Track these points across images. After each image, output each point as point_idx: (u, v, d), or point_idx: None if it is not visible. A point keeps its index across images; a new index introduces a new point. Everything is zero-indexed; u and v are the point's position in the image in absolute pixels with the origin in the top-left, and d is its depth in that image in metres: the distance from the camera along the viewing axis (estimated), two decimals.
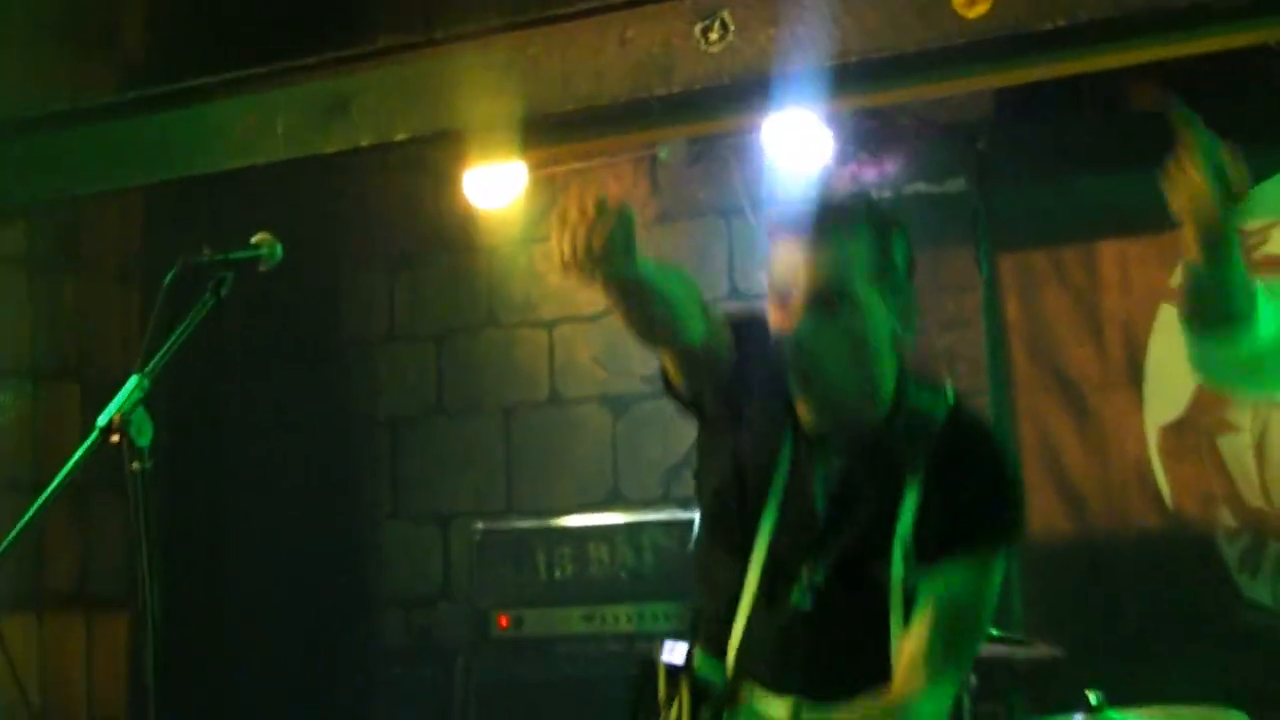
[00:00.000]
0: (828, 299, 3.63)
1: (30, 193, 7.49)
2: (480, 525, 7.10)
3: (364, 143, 6.73)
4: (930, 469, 3.65)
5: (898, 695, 3.53)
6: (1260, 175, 6.89)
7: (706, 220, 8.15)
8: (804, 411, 3.72)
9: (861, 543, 3.66)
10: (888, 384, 3.77)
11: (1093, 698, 5.60)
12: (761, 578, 3.70)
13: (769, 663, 3.70)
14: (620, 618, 6.80)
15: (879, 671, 3.58)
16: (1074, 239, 7.33)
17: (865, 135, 7.58)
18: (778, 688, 3.67)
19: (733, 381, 3.83)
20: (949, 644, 3.58)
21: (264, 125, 6.76)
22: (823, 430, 3.73)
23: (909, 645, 3.56)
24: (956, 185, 7.65)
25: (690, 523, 6.70)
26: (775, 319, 3.67)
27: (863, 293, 3.71)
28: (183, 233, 7.65)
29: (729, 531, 3.80)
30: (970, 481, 3.66)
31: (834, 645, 3.67)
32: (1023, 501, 3.76)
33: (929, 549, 3.59)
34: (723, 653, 3.73)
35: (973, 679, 5.94)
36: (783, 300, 3.66)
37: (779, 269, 3.69)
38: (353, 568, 8.54)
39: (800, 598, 3.67)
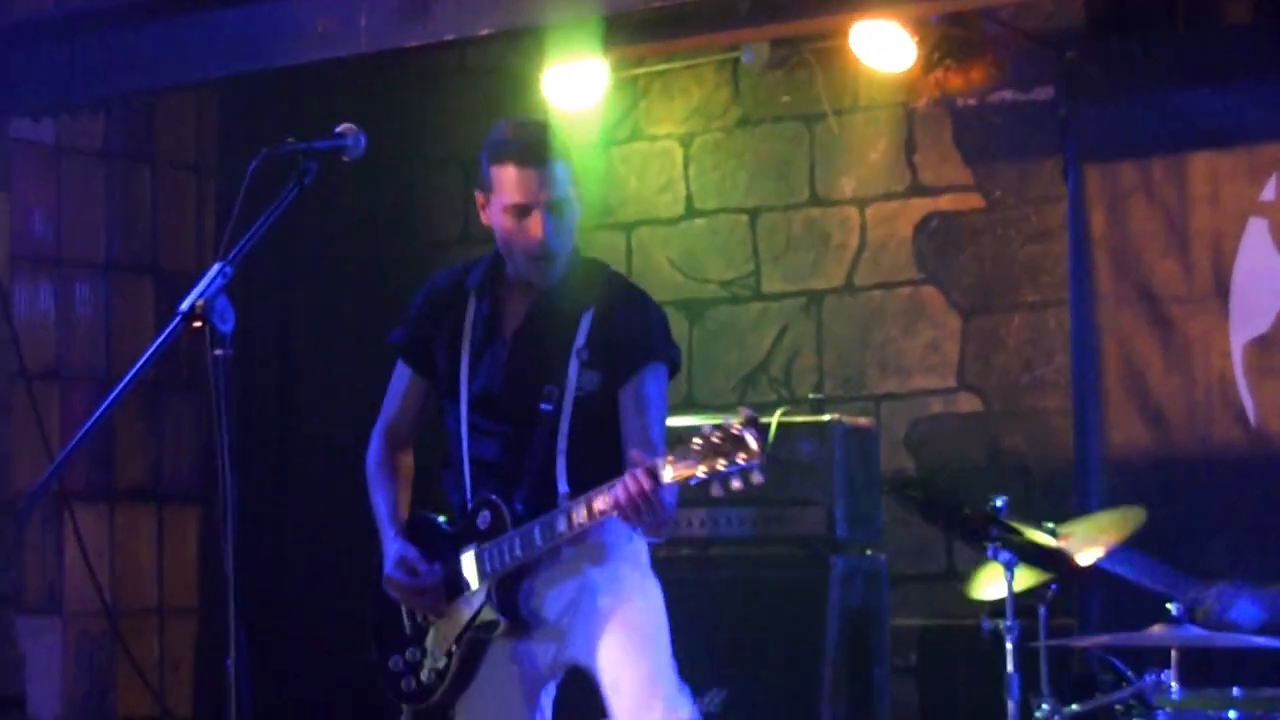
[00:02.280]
0: (560, 204, 4.79)
1: (109, 87, 7.46)
2: None
3: (446, 38, 6.69)
4: (599, 305, 4.87)
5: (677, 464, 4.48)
6: None
7: (788, 126, 8.07)
8: (537, 277, 4.87)
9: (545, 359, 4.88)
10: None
11: (1172, 608, 5.57)
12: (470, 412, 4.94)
13: (494, 483, 4.87)
14: (693, 521, 6.77)
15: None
16: (1162, 152, 7.22)
17: (952, 42, 7.48)
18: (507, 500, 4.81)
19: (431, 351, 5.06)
20: (657, 426, 4.82)
21: (347, 19, 6.71)
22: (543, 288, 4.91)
23: (639, 433, 4.76)
24: (1044, 94, 7.58)
25: (766, 426, 6.71)
26: (514, 228, 4.77)
27: (576, 194, 4.88)
28: (258, 129, 7.63)
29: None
30: (634, 316, 4.93)
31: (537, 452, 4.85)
32: (666, 329, 5.00)
33: (621, 368, 4.82)
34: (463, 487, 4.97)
35: (1050, 589, 5.88)
36: (523, 213, 4.76)
37: (518, 188, 4.77)
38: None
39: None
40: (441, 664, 4.93)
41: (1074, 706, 5.69)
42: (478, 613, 4.84)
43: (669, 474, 4.42)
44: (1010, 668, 5.71)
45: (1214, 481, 6.77)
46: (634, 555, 5.03)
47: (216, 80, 7.47)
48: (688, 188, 8.26)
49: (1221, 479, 6.27)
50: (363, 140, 4.53)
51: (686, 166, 8.26)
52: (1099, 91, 7.33)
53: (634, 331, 4.90)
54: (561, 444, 4.83)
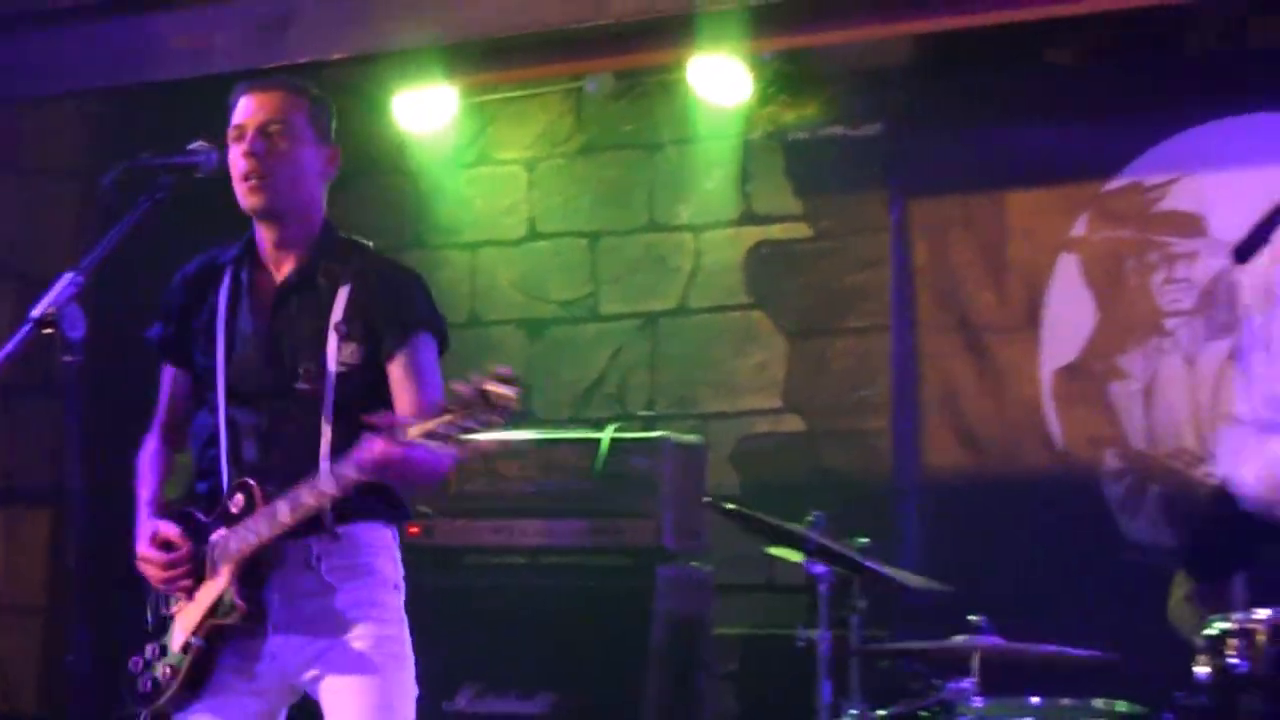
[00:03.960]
0: (273, 130, 4.58)
1: None
2: None
3: (301, 60, 6.71)
4: (356, 279, 4.60)
5: (417, 421, 4.20)
6: (1164, 135, 7.03)
7: (629, 153, 8.14)
8: (253, 206, 4.64)
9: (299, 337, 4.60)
10: (318, 212, 4.75)
11: (976, 622, 5.73)
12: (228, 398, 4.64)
13: (253, 468, 4.56)
14: (528, 531, 6.83)
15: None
16: (982, 187, 7.40)
17: (785, 78, 7.60)
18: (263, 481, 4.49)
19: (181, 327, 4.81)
20: (428, 394, 4.45)
21: (204, 38, 6.73)
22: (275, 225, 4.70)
23: (412, 405, 4.45)
24: (872, 130, 7.67)
25: (598, 442, 6.82)
26: (232, 157, 4.58)
27: (299, 130, 4.63)
28: (130, 141, 7.60)
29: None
30: (395, 287, 4.64)
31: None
32: (430, 302, 4.71)
33: (385, 341, 4.54)
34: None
35: (862, 603, 6.01)
36: (240, 135, 4.58)
37: (236, 114, 4.62)
38: None
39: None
40: (176, 660, 4.58)
41: (881, 711, 5.80)
42: (219, 600, 4.49)
43: (412, 430, 4.16)
44: (822, 674, 5.84)
45: (1021, 499, 6.94)
46: (387, 586, 4.62)
47: (74, 93, 7.46)
48: (531, 211, 8.31)
49: (1028, 497, 6.44)
50: (214, 157, 4.58)
51: (530, 190, 8.32)
52: (924, 128, 7.49)
53: (396, 302, 4.62)
54: (324, 424, 4.52)
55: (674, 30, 6.50)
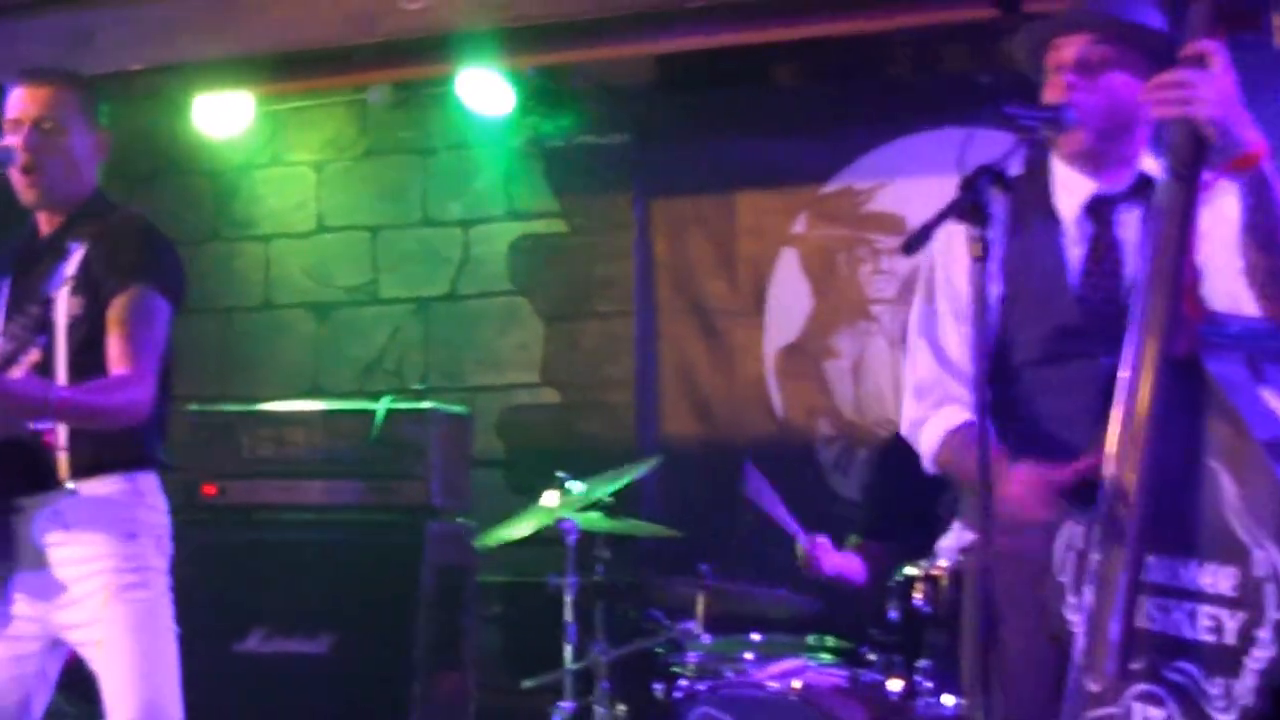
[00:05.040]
0: (43, 123, 4.43)
1: None
2: (193, 407, 7.00)
3: (107, 70, 6.58)
4: (94, 237, 4.40)
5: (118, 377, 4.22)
6: (871, 146, 7.09)
7: (407, 158, 8.07)
8: (26, 196, 4.48)
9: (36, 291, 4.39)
10: (89, 191, 4.56)
11: (703, 569, 5.75)
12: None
13: None
14: (312, 491, 6.76)
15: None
16: (715, 190, 7.42)
17: (544, 92, 7.56)
18: None
19: None
20: (134, 343, 4.28)
21: (8, 46, 6.56)
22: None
23: (114, 352, 4.26)
24: (620, 139, 7.66)
25: (374, 412, 6.76)
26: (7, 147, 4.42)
27: (72, 122, 4.48)
28: None
29: None
30: (124, 242, 4.42)
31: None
32: (155, 255, 4.48)
33: (104, 288, 4.32)
34: None
35: (607, 552, 6.01)
36: (15, 128, 4.43)
37: (10, 106, 4.48)
38: None
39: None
40: None
41: (620, 650, 5.85)
42: None
43: None
44: (569, 617, 5.84)
45: (747, 461, 6.99)
46: (124, 535, 4.38)
47: None
48: (319, 207, 8.21)
49: (753, 460, 6.45)
50: (14, 155, 4.47)
51: (319, 189, 8.22)
52: (665, 138, 7.50)
53: (117, 255, 4.39)
54: (59, 372, 4.30)
55: (439, 48, 6.45)
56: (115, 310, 4.34)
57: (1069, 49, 3.78)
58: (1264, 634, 3.02)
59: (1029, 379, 3.79)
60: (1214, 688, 3.10)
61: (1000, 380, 3.80)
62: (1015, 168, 3.46)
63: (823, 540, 5.80)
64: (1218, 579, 3.13)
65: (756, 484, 5.82)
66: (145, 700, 4.31)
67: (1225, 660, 3.09)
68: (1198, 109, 3.30)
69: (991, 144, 3.53)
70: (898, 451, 4.81)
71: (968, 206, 3.30)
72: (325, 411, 6.91)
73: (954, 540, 4.02)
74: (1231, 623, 3.09)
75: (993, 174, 3.34)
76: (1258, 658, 3.02)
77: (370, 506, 6.74)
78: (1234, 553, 3.09)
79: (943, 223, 3.31)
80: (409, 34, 6.21)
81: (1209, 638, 3.13)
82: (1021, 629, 3.56)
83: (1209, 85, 3.29)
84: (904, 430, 4.02)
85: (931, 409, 3.92)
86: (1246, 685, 3.03)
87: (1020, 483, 3.59)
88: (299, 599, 6.61)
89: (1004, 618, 3.62)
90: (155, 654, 4.37)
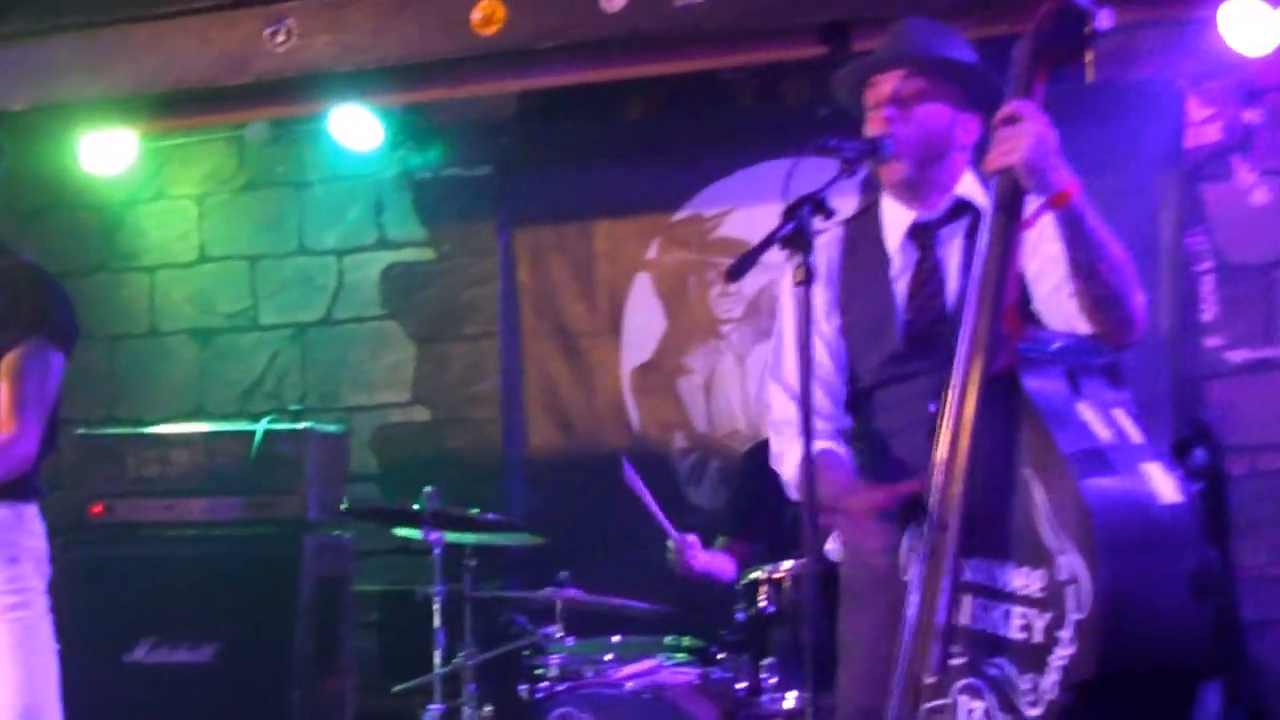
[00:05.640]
0: None
1: None
2: (82, 431, 6.89)
3: None
4: None
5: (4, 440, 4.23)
6: (718, 175, 7.09)
7: (283, 190, 7.96)
8: None
9: None
10: None
11: (562, 576, 5.71)
12: None
13: None
14: (195, 508, 6.68)
15: None
16: (574, 218, 7.39)
17: (412, 127, 7.50)
18: None
19: None
20: (17, 394, 4.28)
21: None
22: None
23: (4, 401, 4.26)
24: (484, 171, 7.61)
25: (254, 433, 6.67)
26: None
27: None
28: None
29: None
30: (11, 292, 4.35)
31: None
32: (48, 306, 4.40)
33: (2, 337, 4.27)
34: None
35: (474, 562, 5.95)
36: None
37: None
38: None
39: None
40: None
41: (486, 654, 5.79)
42: None
43: None
44: (437, 623, 5.77)
45: (606, 474, 6.93)
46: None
47: None
48: (201, 238, 8.07)
49: (612, 472, 6.41)
50: None
51: (201, 221, 8.09)
52: (526, 170, 7.46)
53: (18, 307, 4.40)
54: None
55: (309, 87, 6.39)
56: (9, 364, 4.34)
57: (885, 85, 3.80)
58: (1065, 634, 3.03)
59: (873, 403, 3.83)
60: (1025, 683, 3.11)
61: (853, 406, 3.87)
62: (837, 197, 3.43)
63: (693, 539, 5.77)
64: (1029, 581, 3.14)
65: (634, 481, 5.78)
66: (27, 711, 4.30)
67: (1034, 658, 3.09)
68: (1013, 159, 3.32)
69: (817, 173, 3.50)
70: (757, 458, 4.82)
71: (789, 234, 3.29)
72: (206, 433, 6.84)
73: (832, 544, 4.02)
74: (1039, 622, 3.09)
75: (813, 202, 3.34)
76: (1060, 656, 3.03)
77: (250, 521, 6.66)
78: (1042, 557, 3.10)
79: (766, 250, 3.30)
80: (279, 74, 6.15)
81: (1020, 636, 3.14)
82: (871, 626, 3.59)
83: (1021, 139, 3.30)
84: (771, 463, 4.03)
85: (788, 444, 3.93)
86: (1051, 681, 3.04)
87: (862, 500, 3.63)
88: (184, 611, 6.54)
89: (856, 616, 3.77)
90: (37, 670, 4.38)
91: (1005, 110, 3.37)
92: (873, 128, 3.79)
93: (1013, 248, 3.38)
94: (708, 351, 7.14)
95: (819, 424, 3.79)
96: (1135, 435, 3.26)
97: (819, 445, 3.75)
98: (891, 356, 3.77)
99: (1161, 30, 6.62)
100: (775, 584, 5.07)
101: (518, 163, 7.47)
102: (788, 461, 3.94)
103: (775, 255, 3.38)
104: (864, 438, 3.83)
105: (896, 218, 3.87)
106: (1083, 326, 3.45)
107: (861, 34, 5.73)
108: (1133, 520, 3.07)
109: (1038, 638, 3.09)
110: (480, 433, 7.54)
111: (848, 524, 3.72)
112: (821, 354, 3.86)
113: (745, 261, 3.27)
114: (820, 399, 3.83)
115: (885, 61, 3.82)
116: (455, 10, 5.85)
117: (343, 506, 6.49)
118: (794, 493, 3.96)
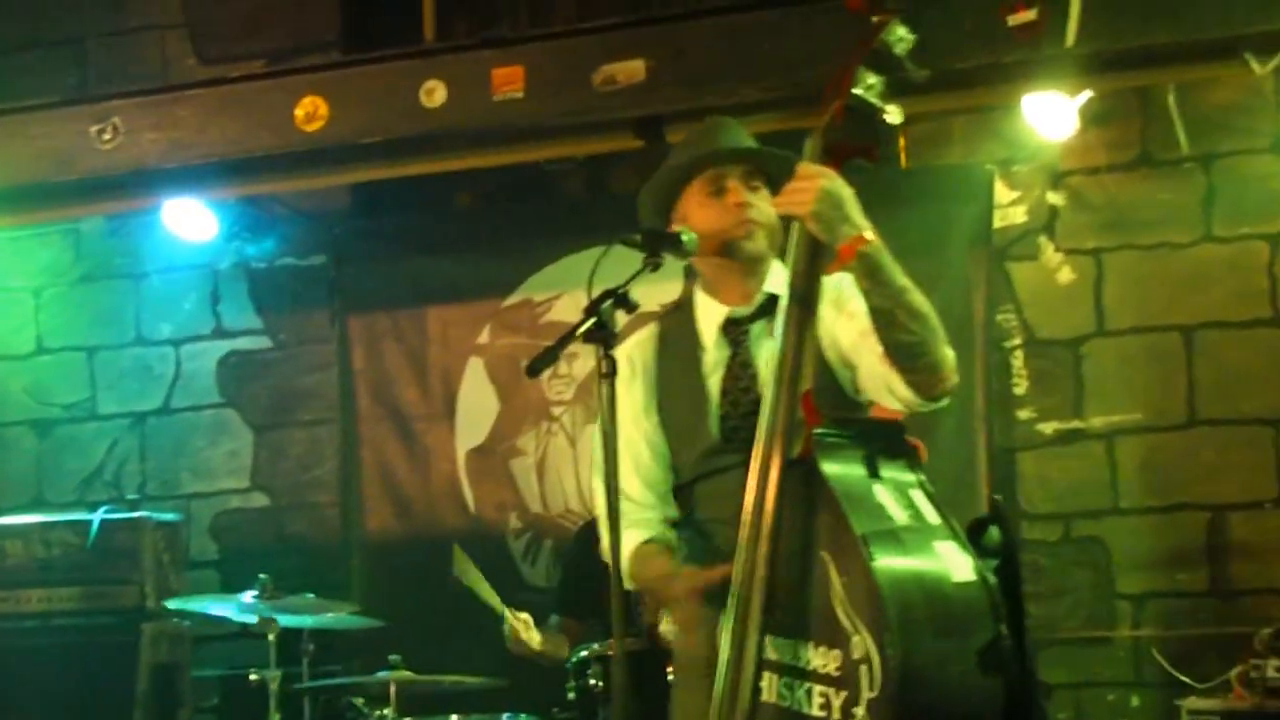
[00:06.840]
0: None
1: None
2: None
3: None
4: None
5: None
6: (547, 261, 7.11)
7: (120, 282, 7.90)
8: None
9: None
10: None
11: (393, 660, 5.66)
12: None
13: None
14: (32, 599, 6.57)
15: None
16: (407, 305, 7.37)
17: (248, 218, 7.47)
18: None
19: None
20: None
21: None
22: None
23: None
24: (319, 260, 7.61)
25: (90, 522, 6.59)
26: None
27: None
28: None
29: None
30: None
31: None
32: None
33: None
34: None
35: (311, 645, 5.90)
36: None
37: None
38: None
39: None
40: None
41: None
42: None
43: None
44: (273, 706, 5.72)
45: (443, 555, 6.90)
46: None
47: None
48: (39, 330, 7.98)
49: (448, 553, 6.39)
50: None
51: (38, 313, 7.99)
52: (359, 258, 7.44)
53: None
54: None
55: (138, 183, 6.35)
56: None
57: (730, 178, 3.76)
58: (860, 711, 3.06)
59: (694, 494, 3.82)
60: None
61: (678, 496, 3.85)
62: (639, 290, 3.44)
63: (525, 618, 5.74)
64: (827, 660, 3.17)
65: (465, 565, 5.75)
66: None
67: None
68: (801, 210, 3.36)
69: (622, 263, 3.50)
70: (588, 538, 4.82)
71: (591, 329, 3.30)
72: (42, 523, 6.76)
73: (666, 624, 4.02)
74: (837, 700, 3.12)
75: (615, 297, 3.35)
76: None
77: (88, 611, 6.58)
78: (838, 637, 3.13)
79: (566, 345, 3.31)
80: (107, 172, 6.11)
81: (821, 714, 3.17)
82: (697, 705, 3.56)
83: (810, 191, 3.34)
84: (599, 553, 4.02)
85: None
86: None
87: (682, 584, 3.63)
88: (23, 702, 6.44)
89: (684, 694, 3.79)
90: None
91: (798, 170, 3.41)
92: (724, 218, 3.75)
93: (806, 337, 3.42)
94: (540, 433, 7.15)
95: (644, 514, 3.81)
96: (932, 515, 3.31)
97: (643, 535, 3.78)
98: (709, 450, 3.75)
99: (971, 118, 6.80)
100: (603, 661, 5.07)
101: (351, 252, 7.45)
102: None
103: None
104: (689, 526, 3.84)
105: (710, 311, 3.85)
106: (899, 387, 3.46)
107: (674, 128, 5.80)
108: (923, 599, 3.10)
109: (836, 715, 3.12)
110: (319, 517, 7.50)
111: (675, 607, 3.73)
112: (642, 449, 3.85)
113: (545, 358, 3.29)
114: (643, 491, 3.83)
115: (721, 158, 3.79)
116: (279, 107, 5.86)
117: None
118: (628, 583, 3.96)
